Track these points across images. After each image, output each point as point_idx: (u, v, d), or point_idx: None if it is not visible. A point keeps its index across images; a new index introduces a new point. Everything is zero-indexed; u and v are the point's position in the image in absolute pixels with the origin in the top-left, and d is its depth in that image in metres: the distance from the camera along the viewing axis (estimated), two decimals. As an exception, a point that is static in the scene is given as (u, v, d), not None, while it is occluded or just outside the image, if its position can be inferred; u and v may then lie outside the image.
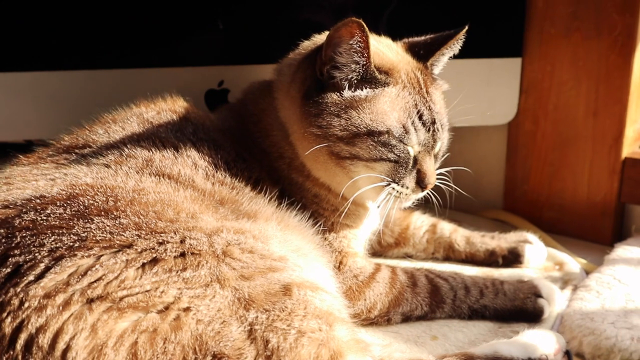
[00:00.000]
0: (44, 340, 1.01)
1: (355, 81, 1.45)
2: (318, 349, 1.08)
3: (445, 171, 1.62)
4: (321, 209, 1.57)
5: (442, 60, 1.62)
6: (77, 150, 1.46)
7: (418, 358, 1.25)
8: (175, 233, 1.16)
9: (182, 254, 1.13)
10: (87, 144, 1.47)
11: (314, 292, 1.16)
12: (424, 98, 1.51)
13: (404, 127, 1.46)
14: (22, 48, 1.94)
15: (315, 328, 1.10)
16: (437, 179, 1.57)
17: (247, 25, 2.02)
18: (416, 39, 1.64)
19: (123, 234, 1.13)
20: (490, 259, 1.84)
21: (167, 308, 1.07)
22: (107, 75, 1.98)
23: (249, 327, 1.08)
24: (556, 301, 1.57)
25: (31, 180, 1.32)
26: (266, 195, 1.45)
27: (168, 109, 1.59)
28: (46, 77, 1.96)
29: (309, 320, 1.10)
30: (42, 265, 1.08)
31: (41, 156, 1.47)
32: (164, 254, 1.12)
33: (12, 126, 2.02)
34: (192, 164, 1.44)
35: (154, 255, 1.12)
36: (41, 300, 1.04)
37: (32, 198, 1.21)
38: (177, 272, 1.11)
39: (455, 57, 1.65)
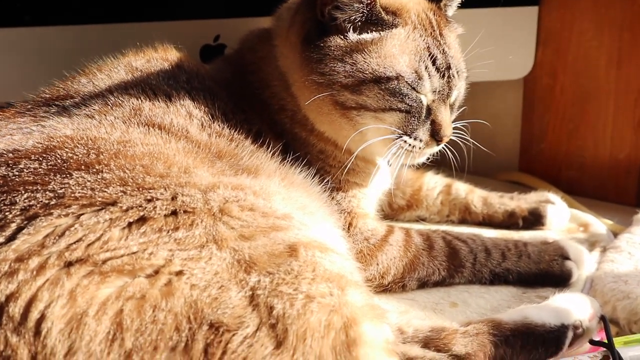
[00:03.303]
0: (15, 309, 0.88)
1: (360, 23, 1.32)
2: (329, 316, 0.94)
3: (462, 125, 1.49)
4: (327, 166, 1.45)
5: (456, 0, 1.47)
6: (58, 102, 1.32)
7: (440, 325, 1.13)
8: (165, 189, 1.03)
9: (174, 212, 1.00)
10: (69, 95, 1.33)
11: (322, 253, 1.02)
12: (437, 41, 1.37)
13: (415, 72, 1.32)
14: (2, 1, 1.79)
15: (326, 292, 0.96)
16: (453, 133, 1.43)
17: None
18: (426, -23, 1.50)
19: (106, 190, 1.00)
20: (509, 221, 1.71)
21: (156, 272, 0.93)
22: (96, 30, 1.83)
23: (251, 293, 0.94)
24: (585, 263, 1.46)
25: (6, 135, 1.19)
26: (268, 150, 1.32)
27: (159, 57, 1.46)
28: (29, 34, 1.82)
29: (318, 283, 0.97)
30: (14, 226, 0.95)
31: (19, 110, 1.33)
32: (153, 212, 0.99)
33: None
34: (186, 113, 1.30)
35: (142, 213, 0.98)
36: (12, 264, 0.91)
37: (4, 152, 1.08)
38: (168, 232, 0.98)
39: (465, 5, 1.51)
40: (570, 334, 1.16)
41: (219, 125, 1.32)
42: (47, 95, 1.35)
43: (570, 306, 1.19)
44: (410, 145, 1.36)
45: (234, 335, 0.91)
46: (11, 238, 0.93)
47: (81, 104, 1.28)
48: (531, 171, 2.13)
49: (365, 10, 1.31)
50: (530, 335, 1.14)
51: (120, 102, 1.28)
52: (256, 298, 0.94)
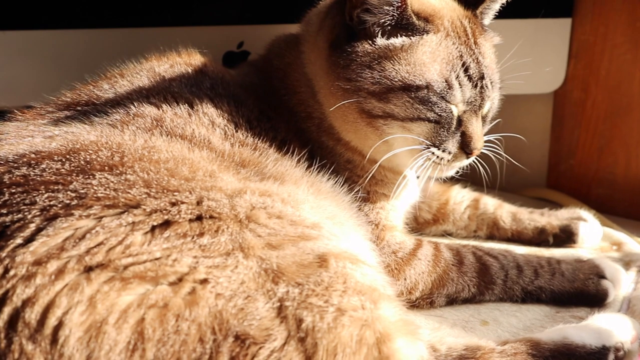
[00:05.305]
0: (32, 315, 0.84)
1: (389, 27, 1.27)
2: (361, 331, 0.89)
3: (495, 138, 1.43)
4: (355, 176, 1.40)
5: (493, 9, 1.43)
6: (79, 108, 1.29)
7: (475, 343, 1.08)
8: (190, 192, 0.99)
9: (199, 217, 0.96)
10: (90, 101, 1.30)
11: (354, 265, 0.98)
12: (471, 49, 1.33)
13: (446, 81, 1.27)
14: (23, 2, 1.76)
15: (358, 306, 0.92)
16: (485, 146, 1.38)
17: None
18: (465, -16, 1.46)
19: (129, 191, 0.96)
20: (539, 238, 1.65)
21: (180, 280, 0.89)
22: (117, 34, 1.81)
23: (279, 304, 0.90)
24: (622, 283, 1.39)
25: (26, 137, 1.15)
26: (294, 158, 1.27)
27: (183, 62, 1.42)
28: (51, 37, 1.79)
29: (350, 296, 0.92)
30: (33, 227, 0.91)
31: (39, 112, 1.30)
32: (178, 217, 0.95)
33: (12, 90, 1.85)
34: (209, 122, 1.26)
35: (166, 217, 0.95)
36: (30, 268, 0.87)
37: (27, 153, 1.05)
38: (193, 237, 0.94)
39: (495, 17, 1.47)
40: (611, 357, 1.10)
41: (242, 134, 1.28)
42: (69, 100, 1.32)
43: (612, 327, 1.13)
44: (438, 157, 1.31)
45: (260, 348, 0.86)
46: (29, 240, 0.90)
47: (103, 112, 1.25)
48: (560, 188, 2.07)
49: (395, 14, 1.26)
50: (570, 357, 1.08)
51: (141, 112, 1.24)
52: (284, 310, 0.89)
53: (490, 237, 1.70)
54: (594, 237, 1.64)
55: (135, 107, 1.25)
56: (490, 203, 1.72)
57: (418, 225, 1.71)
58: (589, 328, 1.13)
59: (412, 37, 1.29)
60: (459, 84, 1.29)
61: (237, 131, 1.29)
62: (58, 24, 1.78)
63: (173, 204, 0.96)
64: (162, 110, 1.26)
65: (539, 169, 2.13)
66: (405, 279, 1.35)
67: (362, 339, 0.89)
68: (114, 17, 1.81)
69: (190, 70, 1.40)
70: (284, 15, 1.77)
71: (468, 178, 1.61)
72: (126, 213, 0.93)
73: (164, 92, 1.31)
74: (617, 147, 1.94)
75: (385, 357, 0.89)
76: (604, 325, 1.14)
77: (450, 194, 1.73)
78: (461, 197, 1.73)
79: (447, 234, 1.72)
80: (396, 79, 1.26)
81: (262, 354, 0.86)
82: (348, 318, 0.90)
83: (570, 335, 1.10)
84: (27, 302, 0.85)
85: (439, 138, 1.30)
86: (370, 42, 1.28)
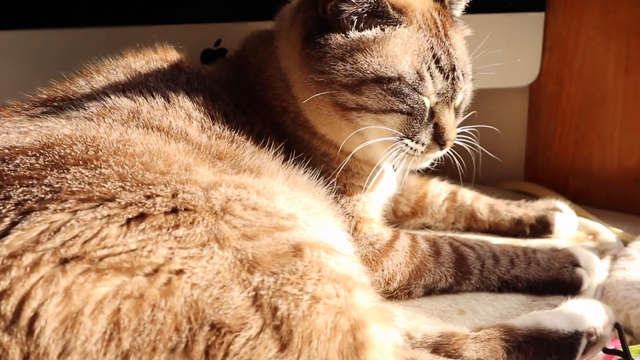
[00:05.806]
0: (7, 307, 0.84)
1: (365, 16, 1.29)
2: (336, 318, 0.90)
3: (470, 130, 1.45)
4: (331, 169, 1.41)
5: (463, 0, 1.44)
6: (55, 103, 1.29)
7: (450, 330, 1.09)
8: (166, 185, 0.99)
9: (174, 210, 0.97)
10: (66, 97, 1.30)
11: (328, 254, 0.98)
12: (441, 41, 1.34)
13: (417, 73, 1.29)
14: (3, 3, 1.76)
15: (332, 293, 0.92)
16: (460, 138, 1.40)
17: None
18: (432, -24, 1.47)
19: (104, 185, 0.97)
20: (516, 229, 1.67)
21: (156, 270, 0.90)
22: (95, 34, 1.81)
23: (254, 293, 0.90)
24: (596, 271, 1.42)
25: (2, 133, 1.15)
26: (270, 151, 1.28)
27: (159, 58, 1.43)
28: (28, 37, 1.79)
29: (324, 284, 0.93)
30: (7, 221, 0.91)
31: (16, 110, 1.30)
32: (153, 209, 0.96)
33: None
34: (185, 115, 1.27)
35: (141, 210, 0.95)
36: (5, 261, 0.87)
37: (0, 149, 1.05)
38: (168, 229, 0.94)
39: (469, 11, 1.48)
40: (584, 341, 1.12)
41: (219, 126, 1.29)
42: (45, 96, 1.33)
43: (584, 313, 1.15)
44: (411, 148, 1.33)
45: (236, 336, 0.87)
46: (4, 233, 0.90)
47: (79, 106, 1.25)
48: (537, 180, 2.09)
49: (372, 1, 1.27)
50: (543, 342, 1.10)
51: (118, 104, 1.25)
52: (259, 298, 0.90)
53: (468, 229, 1.72)
54: (569, 227, 1.67)
55: (111, 100, 1.26)
56: (468, 195, 1.74)
57: (397, 218, 1.73)
58: (562, 314, 1.15)
59: (385, 27, 1.30)
60: (431, 75, 1.31)
61: (213, 124, 1.30)
62: (38, 23, 1.78)
63: (148, 197, 0.97)
64: (139, 103, 1.27)
65: (516, 161, 2.16)
66: (382, 270, 1.36)
67: (336, 325, 0.89)
68: (94, 16, 1.81)
69: (166, 66, 1.40)
70: (262, 13, 1.78)
71: (445, 171, 1.63)
72: (101, 206, 0.94)
73: (140, 86, 1.32)
74: (592, 139, 1.96)
75: (360, 344, 0.90)
76: (577, 311, 1.16)
77: (428, 187, 1.75)
78: (439, 189, 1.75)
79: (425, 226, 1.74)
80: (368, 71, 1.28)
81: (238, 342, 0.86)
82: (322, 305, 0.90)
83: (544, 321, 1.12)
84: (3, 295, 0.85)
85: (412, 129, 1.31)
86: (342, 34, 1.29)
